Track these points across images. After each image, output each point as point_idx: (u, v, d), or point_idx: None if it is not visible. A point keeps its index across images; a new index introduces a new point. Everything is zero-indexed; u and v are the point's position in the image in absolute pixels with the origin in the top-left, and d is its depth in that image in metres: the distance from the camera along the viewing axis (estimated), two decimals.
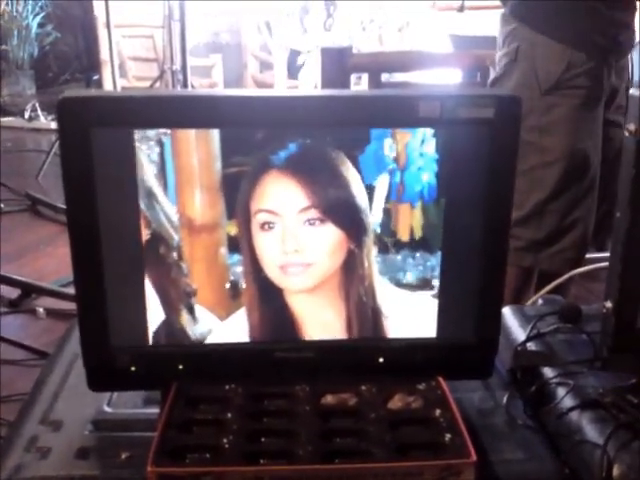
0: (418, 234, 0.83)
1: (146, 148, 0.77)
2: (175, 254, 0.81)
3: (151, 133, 0.77)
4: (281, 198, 0.80)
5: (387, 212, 0.82)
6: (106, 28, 4.15)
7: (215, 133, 0.78)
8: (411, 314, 0.86)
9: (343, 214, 0.81)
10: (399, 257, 0.83)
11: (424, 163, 0.80)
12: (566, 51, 1.68)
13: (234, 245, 0.82)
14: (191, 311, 0.83)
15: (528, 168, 1.72)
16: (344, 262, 0.83)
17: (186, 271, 0.82)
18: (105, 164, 0.76)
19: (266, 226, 0.81)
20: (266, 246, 0.82)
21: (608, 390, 0.85)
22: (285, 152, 0.78)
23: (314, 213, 0.81)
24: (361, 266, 0.83)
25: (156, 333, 0.83)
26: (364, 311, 0.85)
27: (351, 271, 0.83)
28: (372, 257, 0.83)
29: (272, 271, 0.83)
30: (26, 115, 5.02)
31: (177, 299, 0.82)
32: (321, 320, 0.85)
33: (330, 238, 0.82)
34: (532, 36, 1.72)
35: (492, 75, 1.86)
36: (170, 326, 0.83)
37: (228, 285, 0.83)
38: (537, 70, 1.72)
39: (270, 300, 0.84)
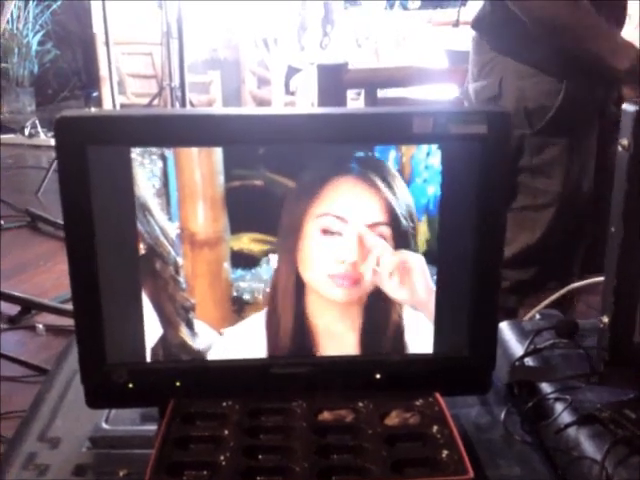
0: (424, 248, 0.83)
1: (148, 162, 0.78)
2: (172, 269, 0.81)
3: (153, 148, 0.77)
4: (353, 207, 0.80)
5: None
6: (105, 45, 4.17)
7: (218, 148, 0.78)
8: (412, 330, 0.86)
9: (400, 237, 0.81)
10: None
11: (429, 176, 0.80)
12: (560, 82, 1.52)
13: (238, 260, 0.82)
14: (190, 326, 0.83)
15: (518, 208, 1.60)
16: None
17: (184, 286, 0.82)
18: (102, 181, 0.77)
19: (329, 231, 0.81)
20: (322, 251, 0.81)
21: (605, 405, 0.85)
22: (354, 158, 0.79)
23: (381, 230, 0.80)
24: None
25: (154, 349, 0.83)
26: (382, 328, 0.85)
27: (383, 293, 0.83)
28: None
29: (318, 278, 0.82)
30: (26, 132, 5.04)
31: (175, 314, 0.83)
32: (333, 333, 0.85)
33: (383, 258, 0.82)
34: (518, 67, 1.55)
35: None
36: (169, 341, 0.83)
37: (231, 301, 0.83)
38: (527, 106, 1.54)
39: (292, 308, 0.83)
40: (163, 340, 0.83)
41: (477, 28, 1.67)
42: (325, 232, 0.81)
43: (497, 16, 1.59)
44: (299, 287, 0.83)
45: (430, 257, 0.83)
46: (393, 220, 0.81)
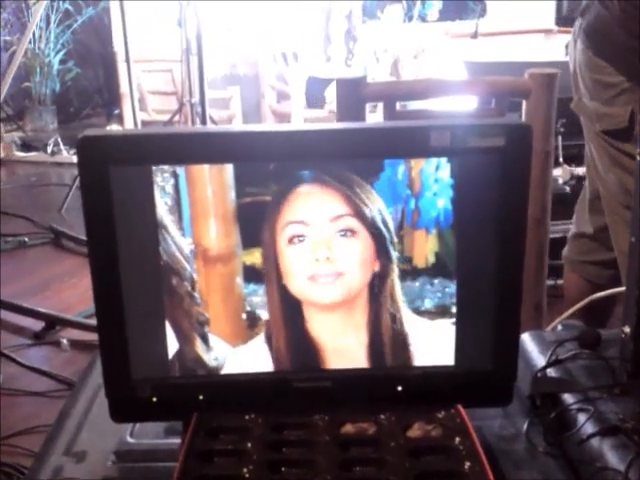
0: (435, 260, 0.83)
1: (160, 180, 0.79)
2: (187, 284, 0.82)
3: (165, 166, 0.79)
4: (311, 208, 0.81)
5: (402, 239, 0.83)
6: (126, 63, 4.22)
7: (229, 165, 0.79)
8: (429, 342, 0.86)
9: (373, 227, 0.82)
10: (417, 284, 0.84)
11: (439, 189, 0.81)
12: None
13: (250, 275, 0.83)
14: (205, 340, 0.84)
15: None
16: (370, 284, 0.83)
17: (199, 301, 0.83)
18: (124, 199, 0.78)
19: (295, 239, 0.82)
20: (295, 259, 0.82)
21: (629, 416, 0.85)
22: (313, 171, 0.80)
23: (346, 222, 0.81)
24: (386, 288, 0.84)
25: (171, 363, 0.84)
26: (386, 338, 0.85)
27: (376, 294, 0.84)
28: (396, 280, 0.83)
29: (301, 284, 0.83)
30: (49, 150, 5.10)
31: (191, 329, 0.83)
32: (341, 347, 0.86)
33: (360, 250, 0.82)
34: None
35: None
36: (185, 356, 0.84)
37: (245, 315, 0.84)
38: None
39: (292, 325, 0.84)
40: (179, 355, 0.84)
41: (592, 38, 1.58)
42: (291, 241, 0.82)
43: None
44: (291, 303, 0.83)
45: (443, 270, 0.83)
46: (357, 211, 0.81)
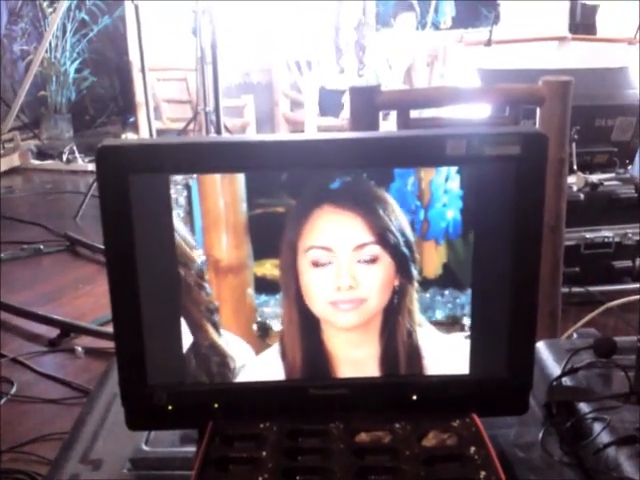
0: (445, 271, 0.83)
1: (173, 192, 0.79)
2: (203, 294, 0.82)
3: (178, 177, 0.79)
4: (335, 234, 0.81)
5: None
6: (141, 72, 4.25)
7: (241, 175, 0.80)
8: (443, 351, 0.86)
9: (395, 250, 0.82)
10: (427, 295, 0.84)
11: (449, 200, 0.81)
12: None
13: (262, 285, 0.83)
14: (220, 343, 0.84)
15: None
16: (389, 300, 0.83)
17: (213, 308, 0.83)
18: (142, 207, 0.79)
19: (318, 263, 0.82)
20: (317, 282, 0.82)
21: None
22: (335, 186, 0.80)
23: (370, 250, 0.81)
24: (404, 304, 0.84)
25: (187, 370, 0.84)
26: (402, 349, 0.85)
27: (394, 309, 0.84)
28: (415, 294, 0.83)
29: (322, 307, 0.83)
30: (64, 158, 5.14)
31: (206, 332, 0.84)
32: (356, 358, 0.86)
33: (382, 275, 0.82)
34: None
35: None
36: (199, 365, 0.84)
37: (256, 326, 0.84)
38: None
39: (308, 338, 0.84)
40: (194, 363, 0.84)
41: None
42: (315, 264, 0.82)
43: None
44: (308, 317, 0.83)
45: (453, 280, 0.83)
46: (380, 237, 0.81)
